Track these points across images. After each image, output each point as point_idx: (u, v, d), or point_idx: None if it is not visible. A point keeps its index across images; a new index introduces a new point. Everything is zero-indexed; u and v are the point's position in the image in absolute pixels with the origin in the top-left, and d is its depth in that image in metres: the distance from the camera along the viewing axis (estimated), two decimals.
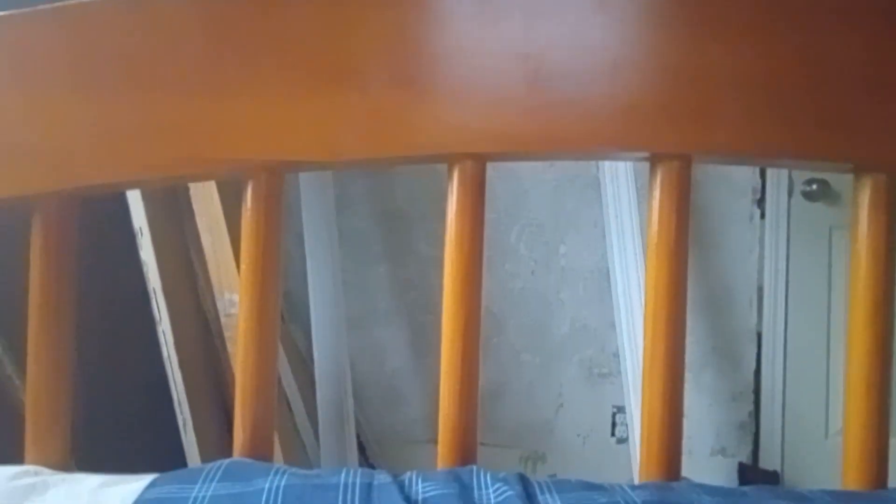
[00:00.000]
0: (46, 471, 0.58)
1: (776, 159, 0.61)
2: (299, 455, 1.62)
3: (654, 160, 0.61)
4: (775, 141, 0.60)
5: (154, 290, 1.49)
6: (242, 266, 0.60)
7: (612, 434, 1.91)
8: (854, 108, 0.60)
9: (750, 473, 1.83)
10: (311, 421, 1.68)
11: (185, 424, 1.49)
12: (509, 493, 0.50)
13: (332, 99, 0.60)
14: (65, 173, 0.63)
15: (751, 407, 1.86)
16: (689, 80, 0.60)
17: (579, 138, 0.61)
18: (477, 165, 0.61)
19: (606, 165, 1.81)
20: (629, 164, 1.78)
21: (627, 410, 1.73)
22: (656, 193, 0.60)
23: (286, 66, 0.61)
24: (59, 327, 0.61)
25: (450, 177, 0.62)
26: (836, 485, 0.60)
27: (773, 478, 1.80)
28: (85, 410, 1.35)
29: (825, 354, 1.80)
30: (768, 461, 1.84)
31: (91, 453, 1.28)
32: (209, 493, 0.51)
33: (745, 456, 1.87)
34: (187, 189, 1.53)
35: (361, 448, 1.84)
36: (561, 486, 0.53)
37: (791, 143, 0.60)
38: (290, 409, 1.68)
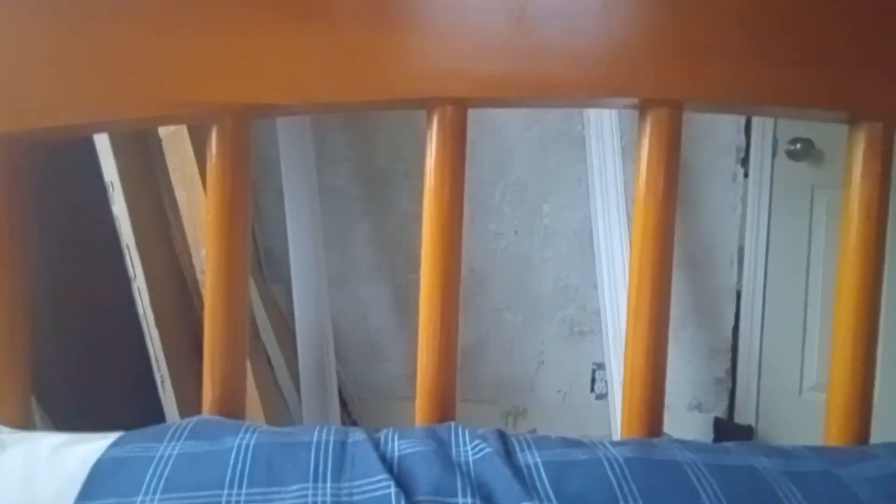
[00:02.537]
0: (4, 429, 0.55)
1: (770, 106, 0.59)
2: (281, 412, 1.62)
3: (644, 107, 0.58)
4: (769, 88, 0.57)
5: (128, 246, 1.45)
6: (208, 217, 0.56)
7: (592, 390, 1.93)
8: (850, 55, 0.57)
9: (725, 428, 1.87)
10: (293, 378, 1.67)
11: (162, 382, 1.47)
12: (487, 450, 0.49)
13: (302, 37, 0.56)
14: (15, 115, 0.58)
15: (728, 364, 1.89)
16: (680, 22, 0.57)
17: (566, 83, 0.57)
18: (457, 111, 0.58)
19: (592, 123, 1.78)
20: (615, 122, 1.75)
21: (607, 367, 1.74)
22: (645, 142, 0.58)
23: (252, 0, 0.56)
24: (13, 279, 0.58)
25: (428, 123, 0.58)
26: (809, 439, 0.59)
27: (747, 432, 1.84)
28: (62, 369, 1.33)
29: (802, 313, 1.82)
30: (743, 416, 1.88)
31: (70, 412, 1.26)
32: (175, 452, 0.49)
33: (720, 411, 1.91)
34: (160, 143, 1.48)
35: (344, 404, 1.84)
36: (541, 442, 0.51)
37: (785, 90, 0.58)
38: (271, 367, 1.67)
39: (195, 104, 0.56)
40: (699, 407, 1.92)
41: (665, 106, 0.57)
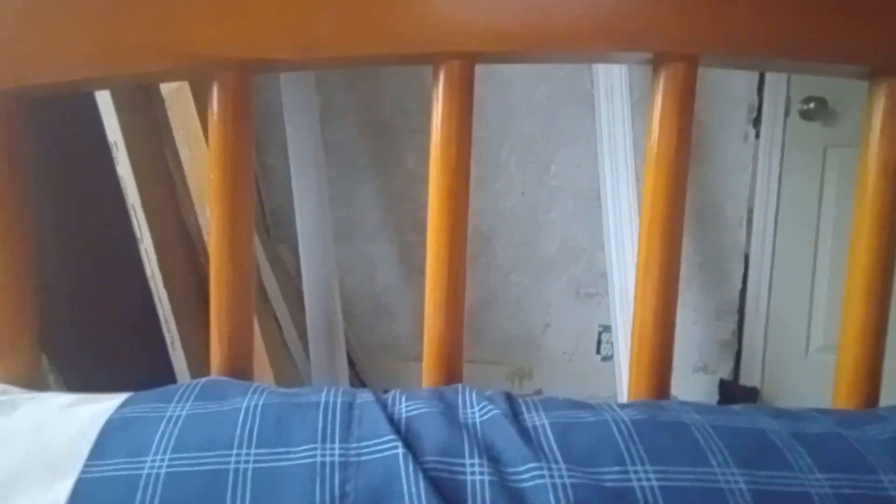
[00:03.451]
0: (15, 389, 0.56)
1: (787, 60, 0.57)
2: (290, 371, 1.64)
3: (658, 61, 0.56)
4: (786, 41, 0.55)
5: (133, 206, 1.45)
6: (211, 175, 0.55)
7: (598, 352, 1.94)
8: (871, 5, 0.55)
9: (730, 389, 1.88)
10: (301, 338, 1.69)
11: (172, 342, 1.48)
12: (495, 411, 0.49)
13: None
14: (11, 71, 0.57)
15: (734, 325, 1.89)
16: None
17: (577, 37, 0.55)
18: (465, 66, 0.56)
19: (601, 80, 1.74)
20: (624, 80, 1.70)
21: (613, 329, 1.75)
22: (658, 98, 0.56)
23: None
24: (17, 237, 0.57)
25: (435, 79, 0.57)
26: (814, 400, 0.59)
27: (752, 394, 1.86)
28: (74, 331, 1.34)
29: (810, 275, 1.81)
30: (748, 378, 1.89)
31: (82, 374, 1.28)
32: (185, 412, 0.49)
33: (726, 372, 1.92)
34: (163, 102, 1.46)
35: (351, 364, 1.86)
36: (548, 404, 0.51)
37: (803, 43, 0.55)
38: (279, 327, 1.68)
39: (194, 58, 0.55)
40: (704, 368, 1.93)
41: (680, 60, 0.55)
